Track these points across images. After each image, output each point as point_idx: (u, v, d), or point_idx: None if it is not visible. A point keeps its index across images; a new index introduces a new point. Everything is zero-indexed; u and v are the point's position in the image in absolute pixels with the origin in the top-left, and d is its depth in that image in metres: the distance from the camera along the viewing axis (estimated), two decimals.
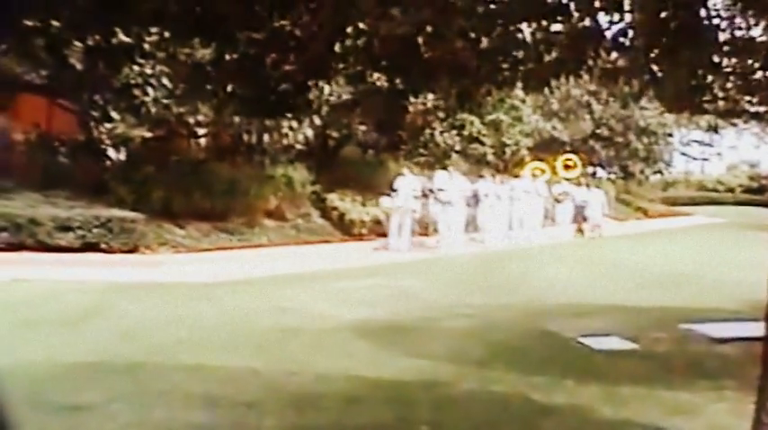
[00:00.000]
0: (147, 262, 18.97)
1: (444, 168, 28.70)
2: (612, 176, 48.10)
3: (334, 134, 29.61)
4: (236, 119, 21.95)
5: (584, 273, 19.96)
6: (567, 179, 35.54)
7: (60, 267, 17.43)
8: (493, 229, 29.01)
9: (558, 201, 33.87)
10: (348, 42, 8.09)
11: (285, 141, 22.70)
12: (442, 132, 32.35)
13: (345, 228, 25.21)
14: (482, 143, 33.66)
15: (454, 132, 32.86)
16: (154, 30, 18.23)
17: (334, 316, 13.11)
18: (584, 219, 33.63)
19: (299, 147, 23.77)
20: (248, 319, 12.78)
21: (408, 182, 26.21)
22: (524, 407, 8.27)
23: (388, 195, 25.78)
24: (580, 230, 33.46)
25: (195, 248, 20.49)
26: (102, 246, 19.10)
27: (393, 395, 8.60)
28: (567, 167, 36.23)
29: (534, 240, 29.91)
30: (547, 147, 41.51)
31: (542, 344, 11.60)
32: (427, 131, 32.06)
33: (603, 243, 29.81)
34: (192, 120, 21.48)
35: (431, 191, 27.02)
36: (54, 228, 18.83)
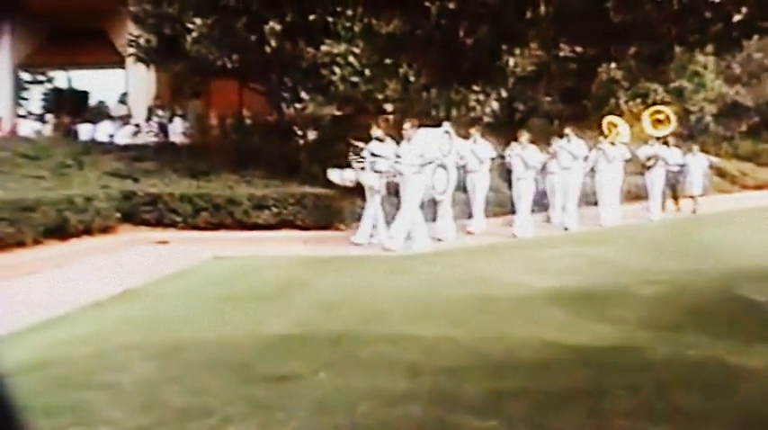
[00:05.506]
0: (342, 236, 19.44)
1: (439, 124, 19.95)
2: None
3: (520, 106, 29.65)
4: (424, 94, 22.14)
5: None
6: (658, 138, 27.32)
7: (258, 244, 18.07)
8: (522, 210, 21.53)
9: (646, 167, 26.80)
10: (539, 8, 8.18)
11: (472, 114, 22.70)
12: (626, 101, 32.03)
13: None
14: None
15: (638, 101, 32.48)
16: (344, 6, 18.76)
17: (527, 284, 13.20)
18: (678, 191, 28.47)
19: (486, 119, 23.74)
20: (443, 289, 13.00)
21: (377, 147, 19.15)
22: (720, 370, 8.21)
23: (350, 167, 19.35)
24: (676, 204, 28.45)
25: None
26: (298, 222, 19.63)
27: (589, 360, 8.66)
28: (657, 123, 27.36)
29: (608, 222, 23.62)
30: (731, 113, 40.73)
31: (734, 308, 11.51)
32: (612, 101, 31.79)
33: None
34: (380, 97, 21.74)
35: (398, 156, 18.52)
36: (251, 207, 19.47)
